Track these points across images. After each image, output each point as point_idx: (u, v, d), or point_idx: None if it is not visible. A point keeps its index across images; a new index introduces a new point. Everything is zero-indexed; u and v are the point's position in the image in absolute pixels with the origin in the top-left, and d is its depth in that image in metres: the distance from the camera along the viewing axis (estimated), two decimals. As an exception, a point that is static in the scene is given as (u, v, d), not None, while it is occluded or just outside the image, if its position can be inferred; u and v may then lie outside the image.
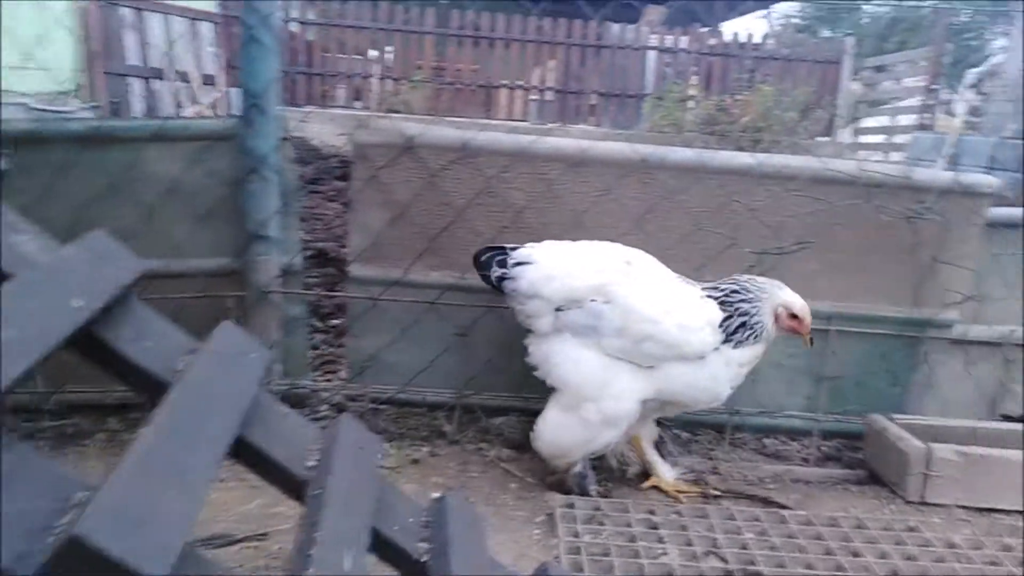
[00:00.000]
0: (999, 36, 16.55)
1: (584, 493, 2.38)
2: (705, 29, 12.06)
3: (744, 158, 2.67)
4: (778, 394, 2.83)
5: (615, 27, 11.35)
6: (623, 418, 2.27)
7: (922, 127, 11.28)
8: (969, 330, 2.83)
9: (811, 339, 2.33)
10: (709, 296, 2.28)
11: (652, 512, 2.26)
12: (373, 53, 11.24)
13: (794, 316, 2.27)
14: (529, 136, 2.61)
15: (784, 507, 2.38)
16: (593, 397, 2.24)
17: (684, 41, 11.83)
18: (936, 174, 2.72)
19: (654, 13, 12.04)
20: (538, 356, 2.36)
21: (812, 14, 23.54)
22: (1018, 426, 2.78)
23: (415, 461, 2.54)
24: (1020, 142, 9.54)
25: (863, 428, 2.70)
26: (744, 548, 2.10)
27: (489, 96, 11.37)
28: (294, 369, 2.74)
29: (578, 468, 2.40)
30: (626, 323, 2.21)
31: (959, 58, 13.10)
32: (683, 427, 2.86)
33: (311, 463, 1.37)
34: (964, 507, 2.42)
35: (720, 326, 2.24)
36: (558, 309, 2.28)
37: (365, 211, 2.64)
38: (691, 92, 11.05)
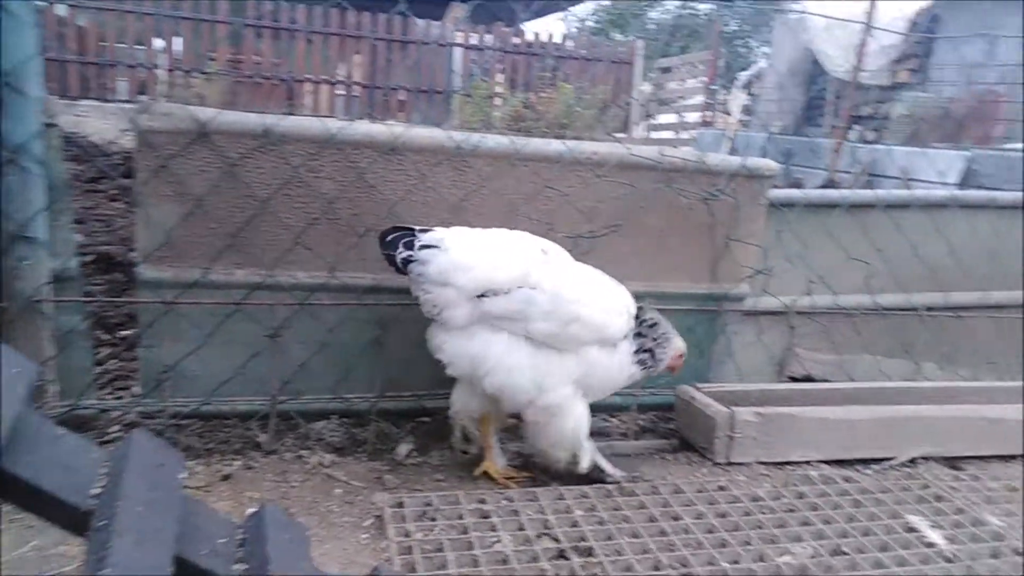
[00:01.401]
0: (762, 44, 18.54)
1: (603, 481, 2.41)
2: (508, 28, 12.36)
3: (556, 145, 2.71)
4: (597, 374, 2.92)
5: (421, 23, 11.31)
6: (567, 405, 2.30)
7: (705, 124, 12.35)
8: (759, 301, 3.09)
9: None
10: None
11: (483, 501, 2.23)
12: (159, 43, 10.33)
13: (680, 356, 2.48)
14: (338, 121, 2.48)
15: (608, 482, 2.45)
16: (532, 398, 2.25)
17: (488, 39, 12.04)
18: (727, 159, 2.93)
19: (459, 10, 12.14)
20: (456, 354, 2.27)
21: (605, 18, 24.99)
22: (803, 385, 3.09)
23: (227, 477, 2.32)
24: (786, 136, 10.71)
25: (674, 399, 2.86)
26: (575, 526, 2.13)
27: (292, 90, 10.87)
28: (75, 388, 2.41)
29: (585, 464, 2.39)
30: (555, 306, 2.21)
31: (731, 62, 14.46)
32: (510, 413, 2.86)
33: (96, 490, 1.18)
34: (763, 463, 2.62)
35: (635, 315, 2.37)
36: (480, 296, 2.19)
37: (154, 206, 2.37)
38: (498, 89, 11.29)
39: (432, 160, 2.56)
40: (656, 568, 1.96)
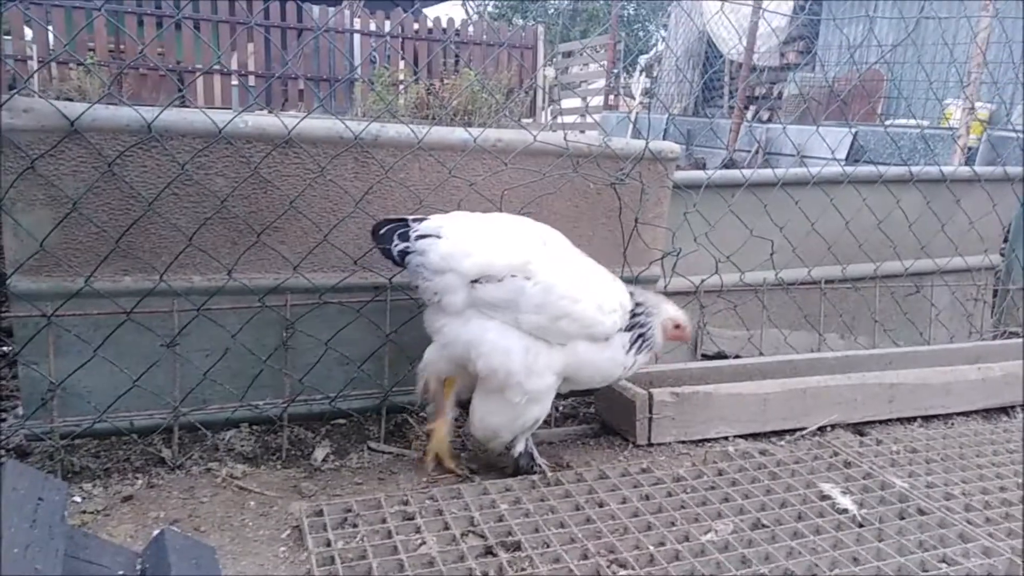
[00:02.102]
0: (660, 27, 18.95)
1: (531, 471, 2.38)
2: (407, 13, 12.13)
3: (460, 133, 2.64)
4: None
5: (316, 8, 10.93)
6: (545, 393, 2.30)
7: (608, 107, 12.52)
8: (670, 283, 3.13)
9: (695, 345, 2.49)
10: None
11: (406, 502, 2.16)
12: (29, 32, 9.58)
13: (678, 326, 2.43)
14: (226, 114, 2.33)
15: (536, 471, 2.42)
16: (520, 381, 2.21)
17: (388, 25, 11.78)
18: (631, 142, 2.93)
19: (355, -4, 11.82)
20: (453, 337, 2.25)
21: (505, 3, 24.95)
22: (716, 362, 3.15)
23: (128, 498, 2.16)
24: (687, 118, 10.98)
25: (593, 384, 2.86)
26: (501, 520, 2.09)
27: (183, 81, 10.32)
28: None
29: (520, 447, 2.38)
30: (546, 300, 2.19)
31: (630, 46, 14.69)
32: (428, 409, 2.79)
33: (-37, 536, 1.04)
34: (683, 442, 2.66)
35: (630, 309, 2.35)
36: (474, 282, 2.18)
37: (22, 212, 2.16)
38: (400, 76, 11.07)
39: (331, 152, 2.45)
40: (584, 557, 1.94)
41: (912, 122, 8.03)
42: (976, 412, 3.08)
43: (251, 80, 10.90)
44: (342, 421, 2.72)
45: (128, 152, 2.21)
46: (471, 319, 2.23)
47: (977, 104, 7.66)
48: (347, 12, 11.43)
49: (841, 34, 10.85)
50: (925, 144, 7.08)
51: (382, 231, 2.25)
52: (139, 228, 2.28)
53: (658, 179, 2.96)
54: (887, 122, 8.95)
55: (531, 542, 1.98)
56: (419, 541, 1.97)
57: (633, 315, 2.37)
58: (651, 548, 1.98)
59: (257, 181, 2.39)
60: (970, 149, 7.37)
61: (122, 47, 10.22)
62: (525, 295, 2.18)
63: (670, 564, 1.93)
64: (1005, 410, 3.13)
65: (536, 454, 2.43)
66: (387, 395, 2.66)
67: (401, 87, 10.65)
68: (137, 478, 2.28)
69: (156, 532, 1.30)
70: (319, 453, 2.50)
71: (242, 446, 2.49)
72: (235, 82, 10.76)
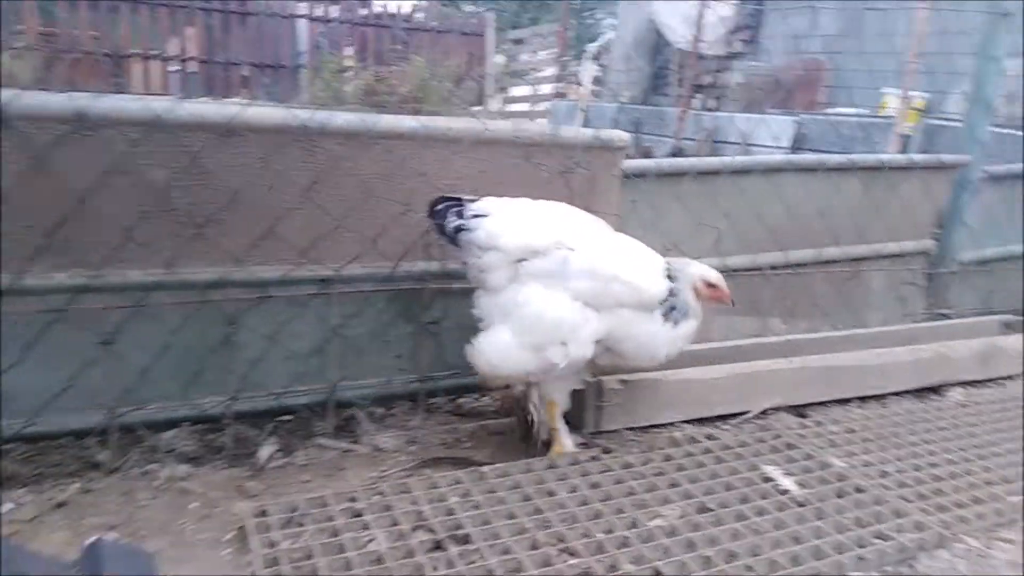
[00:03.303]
0: (608, 15, 19.01)
1: (529, 423, 2.50)
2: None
3: (409, 121, 2.61)
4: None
5: (259, -7, 10.67)
6: (581, 362, 2.34)
7: (558, 96, 12.54)
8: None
9: (733, 302, 2.54)
10: None
11: (354, 499, 2.14)
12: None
13: (711, 285, 2.46)
14: (164, 102, 2.25)
15: (482, 463, 2.43)
16: (564, 339, 2.27)
17: (335, 11, 11.56)
18: (580, 131, 2.94)
19: (299, -20, 11.56)
20: (490, 307, 2.34)
21: (454, -11, 24.65)
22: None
23: (61, 504, 2.09)
24: (635, 106, 11.06)
25: (543, 373, 2.87)
26: (450, 514, 2.08)
27: (120, 67, 9.96)
28: None
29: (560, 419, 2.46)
30: (593, 265, 2.28)
31: (580, 34, 14.72)
32: (377, 403, 2.77)
33: None
34: (631, 429, 2.69)
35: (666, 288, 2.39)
36: (519, 261, 2.28)
37: (-55, 205, 2.06)
38: (347, 63, 10.88)
39: (277, 141, 2.39)
40: (534, 547, 1.95)
41: (852, 111, 8.23)
42: (909, 392, 3.20)
43: (192, 66, 10.58)
44: (288, 418, 2.67)
45: (60, 141, 2.12)
46: (509, 288, 2.30)
47: (913, 93, 7.90)
48: (292, -4, 11.18)
49: (785, 23, 11.05)
50: (864, 132, 7.27)
51: (438, 207, 2.36)
52: (72, 221, 2.19)
53: (607, 168, 2.98)
54: (829, 111, 9.16)
55: (481, 534, 1.99)
56: (367, 538, 1.96)
57: (669, 289, 2.41)
58: (600, 536, 2.01)
59: (198, 171, 2.31)
60: (906, 138, 7.61)
61: (55, 30, 9.80)
62: (570, 263, 2.27)
63: (619, 551, 1.95)
64: (935, 389, 3.25)
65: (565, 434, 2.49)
66: (335, 389, 2.63)
67: (349, 74, 10.48)
68: (71, 483, 2.20)
69: (91, 539, 1.26)
70: (264, 451, 2.46)
71: (183, 446, 2.42)
72: (174, 68, 10.43)
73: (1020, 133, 5.64)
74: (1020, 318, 3.88)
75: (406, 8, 12.91)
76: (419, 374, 2.78)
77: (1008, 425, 2.85)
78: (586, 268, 2.28)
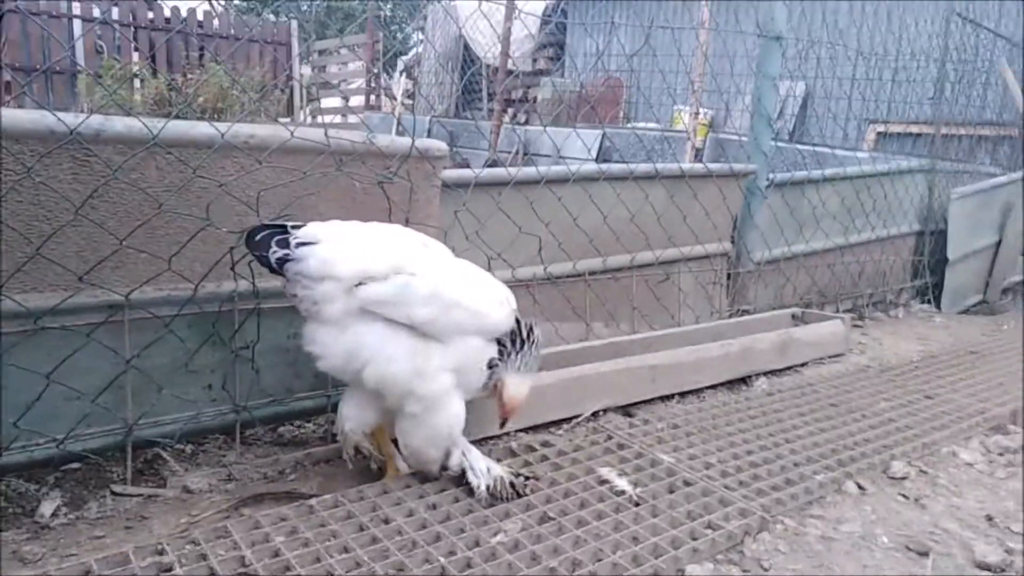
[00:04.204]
0: (417, 29, 19.05)
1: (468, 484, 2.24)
2: (139, 1, 10.94)
3: (204, 128, 2.35)
4: (285, 379, 2.66)
5: (22, -11, 9.45)
6: (444, 397, 2.17)
7: (370, 108, 12.32)
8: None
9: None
10: None
11: (161, 552, 1.87)
12: None
13: (507, 397, 2.35)
14: None
15: (309, 496, 2.23)
16: (410, 388, 2.12)
17: (115, 13, 10.53)
18: (397, 140, 2.83)
19: (73, -23, 10.43)
20: (331, 347, 2.13)
21: (254, -2, 23.54)
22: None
23: None
24: (450, 119, 11.13)
25: (371, 393, 2.71)
26: (276, 555, 1.88)
27: None
28: None
29: (455, 461, 2.26)
30: (435, 290, 2.12)
31: (388, 46, 14.57)
32: (185, 439, 2.48)
33: None
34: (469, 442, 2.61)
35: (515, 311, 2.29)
36: (358, 284, 2.08)
37: None
38: (135, 70, 9.97)
39: (40, 149, 2.05)
40: (372, 582, 1.81)
41: (652, 124, 8.84)
42: (722, 384, 3.41)
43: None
44: (76, 465, 2.31)
45: None
46: (349, 326, 2.12)
47: (701, 110, 8.61)
48: (63, -6, 10.02)
49: (587, 41, 11.65)
50: (667, 144, 7.81)
51: (258, 237, 2.13)
52: None
53: (427, 178, 2.89)
54: (629, 124, 9.76)
55: (312, 573, 1.81)
56: (178, 596, 1.71)
57: (521, 346, 2.32)
58: (441, 560, 1.90)
59: (-62, 185, 1.93)
60: (697, 150, 8.28)
61: None
62: (411, 288, 2.10)
63: (462, 572, 1.86)
64: (744, 380, 3.50)
65: (476, 463, 2.25)
66: (131, 429, 2.31)
67: (137, 81, 9.58)
68: None
69: None
70: (46, 507, 2.10)
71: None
72: (-83, 71, 8.97)
73: (786, 145, 6.33)
74: (805, 310, 4.31)
75: (199, 14, 12.06)
76: (232, 404, 2.52)
77: (808, 408, 3.11)
78: (427, 293, 2.12)
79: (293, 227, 2.15)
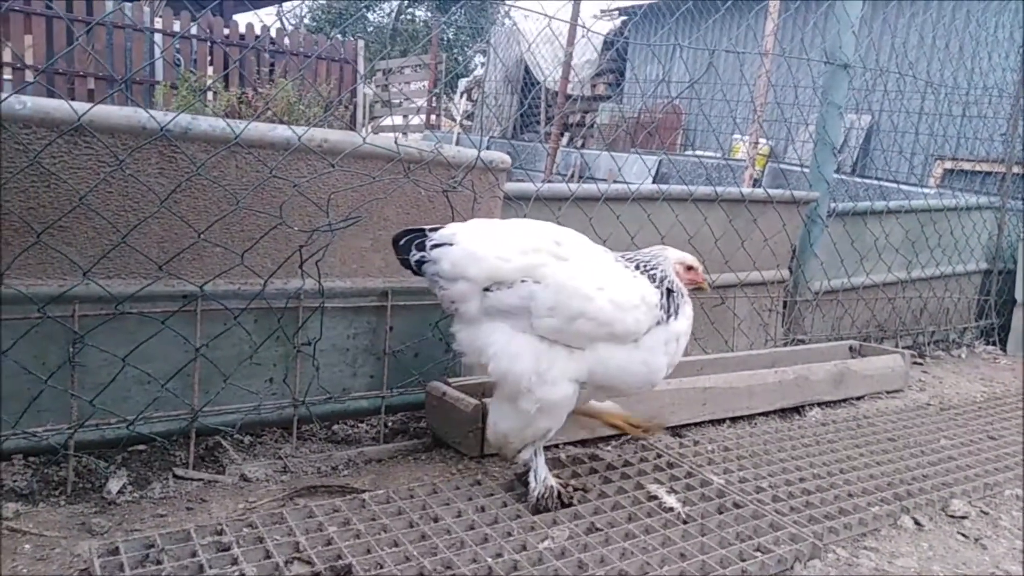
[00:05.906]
0: (479, 52, 19.39)
1: (526, 483, 2.27)
2: (216, 16, 11.41)
3: (282, 130, 2.46)
4: (343, 378, 2.73)
5: (109, 3, 9.97)
6: (561, 404, 2.17)
7: (430, 126, 12.56)
8: (500, 293, 3.11)
9: (710, 284, 2.42)
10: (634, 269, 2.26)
11: (220, 532, 1.93)
12: None
13: (690, 268, 2.35)
14: None
15: (362, 491, 2.28)
16: (530, 387, 2.11)
17: (195, 28, 11.00)
18: (463, 151, 2.90)
19: (156, -7, 10.95)
20: (467, 344, 2.22)
21: (322, 17, 24.33)
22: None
23: None
24: (507, 140, 11.26)
25: (424, 396, 2.76)
26: (329, 544, 1.93)
27: (-60, 72, 8.97)
28: None
29: (526, 455, 2.27)
30: (558, 301, 2.10)
31: (450, 69, 14.89)
32: (245, 430, 2.56)
33: None
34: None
35: (658, 304, 2.21)
36: (486, 290, 2.13)
37: None
38: (209, 82, 10.38)
39: (131, 144, 2.17)
40: (420, 575, 1.84)
41: (709, 153, 8.80)
42: (774, 412, 3.36)
43: (28, 75, 9.68)
44: (142, 447, 2.41)
45: None
46: (483, 324, 2.17)
47: (760, 140, 8.54)
48: (147, 9, 10.52)
49: (647, 68, 11.69)
50: (725, 172, 7.77)
51: (401, 242, 2.23)
52: None
53: (490, 189, 2.95)
54: (686, 152, 9.73)
55: (363, 564, 1.85)
56: (236, 573, 1.77)
57: (651, 277, 2.26)
58: (489, 560, 1.92)
59: (38, 173, 2.06)
60: (755, 180, 8.21)
61: None
62: (536, 299, 2.11)
63: (508, 574, 1.87)
64: (797, 409, 3.44)
65: (539, 470, 2.26)
66: (196, 416, 2.40)
67: (210, 94, 9.98)
68: None
69: None
70: (113, 484, 2.19)
71: (15, 481, 2.12)
72: (8, 76, 9.51)
73: (848, 178, 6.23)
74: (862, 343, 4.22)
75: (272, 32, 12.52)
76: (291, 399, 2.60)
77: (864, 441, 3.04)
78: (551, 304, 2.10)
79: (431, 230, 2.22)
